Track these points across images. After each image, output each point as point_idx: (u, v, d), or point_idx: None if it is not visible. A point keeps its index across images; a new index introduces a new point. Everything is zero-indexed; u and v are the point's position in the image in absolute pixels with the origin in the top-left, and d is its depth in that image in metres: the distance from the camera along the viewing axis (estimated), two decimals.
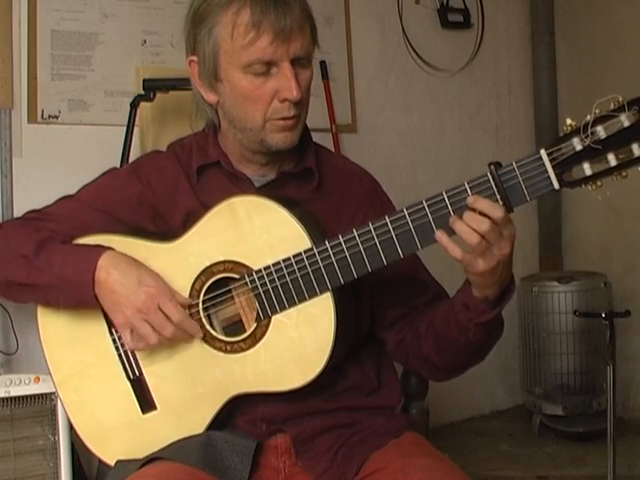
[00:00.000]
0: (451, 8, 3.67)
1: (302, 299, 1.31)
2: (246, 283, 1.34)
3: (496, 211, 1.19)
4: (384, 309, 1.47)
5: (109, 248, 1.38)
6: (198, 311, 1.37)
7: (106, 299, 1.35)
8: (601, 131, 1.15)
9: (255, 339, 1.34)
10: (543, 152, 1.18)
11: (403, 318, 1.47)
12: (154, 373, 1.40)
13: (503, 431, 3.59)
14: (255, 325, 1.34)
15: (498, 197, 1.20)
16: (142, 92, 2.54)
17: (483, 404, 3.83)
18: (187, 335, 1.36)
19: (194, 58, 1.39)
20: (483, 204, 1.20)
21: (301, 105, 1.37)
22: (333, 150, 2.85)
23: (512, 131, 3.91)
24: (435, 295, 1.48)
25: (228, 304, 1.38)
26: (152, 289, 1.33)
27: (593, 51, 3.76)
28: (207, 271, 1.36)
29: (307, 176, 1.46)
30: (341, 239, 1.28)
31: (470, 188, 1.22)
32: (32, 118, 2.62)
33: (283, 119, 1.36)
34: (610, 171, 1.16)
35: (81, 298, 1.37)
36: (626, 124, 1.14)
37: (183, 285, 1.37)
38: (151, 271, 1.36)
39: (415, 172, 3.56)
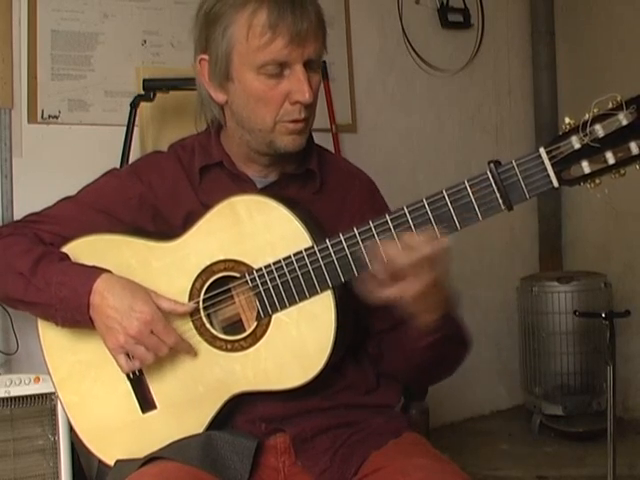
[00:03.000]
0: (451, 8, 3.67)
1: (303, 297, 1.31)
2: (246, 282, 1.34)
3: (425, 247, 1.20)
4: (371, 318, 1.46)
5: (105, 270, 1.37)
6: (198, 310, 1.37)
7: (100, 323, 1.35)
8: (599, 130, 1.16)
9: (256, 338, 1.35)
10: (542, 150, 1.19)
11: (386, 332, 1.45)
12: (154, 373, 1.40)
13: (503, 431, 3.59)
14: (256, 324, 1.35)
15: (498, 195, 1.21)
16: (142, 92, 2.54)
17: (483, 404, 3.83)
18: (186, 348, 1.36)
19: (205, 57, 1.39)
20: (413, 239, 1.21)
21: (311, 108, 1.39)
22: (333, 150, 2.85)
23: (512, 131, 3.92)
24: None
25: (228, 303, 1.38)
26: (145, 315, 1.32)
27: (593, 51, 3.76)
28: (208, 270, 1.36)
29: (309, 178, 1.46)
30: (342, 237, 1.28)
31: (470, 186, 1.22)
32: (32, 118, 2.62)
33: (293, 122, 1.37)
34: (609, 169, 1.17)
35: (77, 319, 1.36)
36: (624, 123, 1.15)
37: (184, 284, 1.37)
38: (145, 294, 1.35)
39: (415, 172, 3.56)
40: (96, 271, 1.37)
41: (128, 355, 1.35)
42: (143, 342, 1.32)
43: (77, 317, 1.36)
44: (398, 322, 1.44)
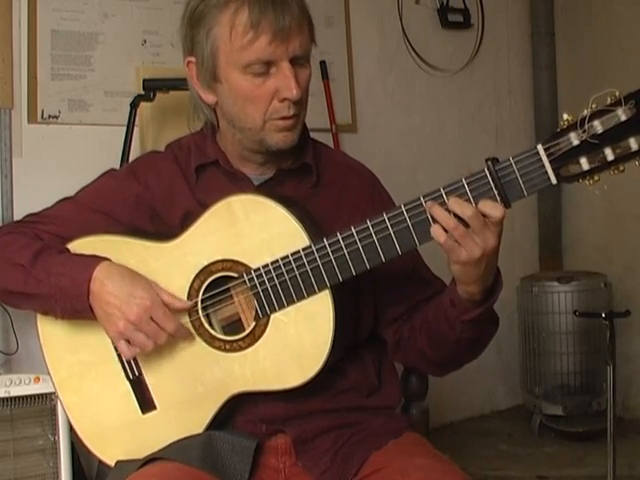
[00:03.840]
0: (451, 8, 3.67)
1: (301, 297, 1.31)
2: (244, 282, 1.34)
3: (494, 209, 1.20)
4: (385, 306, 1.47)
5: (105, 259, 1.38)
6: (197, 310, 1.37)
7: (100, 310, 1.35)
8: (598, 126, 1.15)
9: (254, 338, 1.34)
10: (540, 147, 1.18)
11: (403, 316, 1.47)
12: (153, 373, 1.40)
13: (503, 431, 3.59)
14: (254, 324, 1.35)
15: (495, 192, 1.20)
16: (142, 92, 2.54)
17: (483, 404, 3.83)
18: (181, 344, 1.36)
19: (192, 59, 1.39)
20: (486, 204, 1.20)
21: (300, 104, 1.37)
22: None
23: (512, 131, 3.92)
24: (436, 292, 1.47)
25: (227, 303, 1.38)
26: (144, 301, 1.32)
27: (593, 51, 3.76)
28: (206, 270, 1.36)
29: (305, 172, 1.46)
30: (339, 237, 1.28)
31: (468, 184, 1.22)
32: (32, 118, 2.62)
33: (283, 119, 1.36)
34: (607, 165, 1.16)
35: (77, 308, 1.37)
36: (623, 118, 1.14)
37: (182, 284, 1.37)
38: (145, 282, 1.35)
39: (415, 172, 3.56)
40: (95, 259, 1.37)
41: (129, 342, 1.35)
42: (142, 328, 1.32)
43: (77, 306, 1.36)
44: (414, 304, 1.45)
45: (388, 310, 1.47)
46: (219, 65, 1.35)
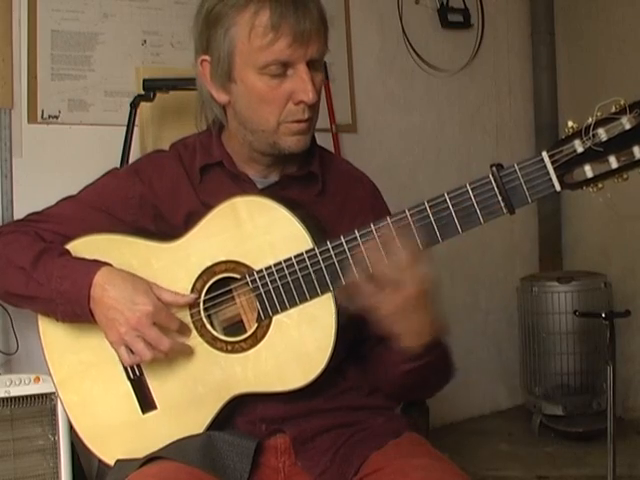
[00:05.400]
0: (451, 8, 3.67)
1: (303, 299, 1.31)
2: (247, 283, 1.34)
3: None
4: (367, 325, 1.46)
5: (106, 264, 1.38)
6: (199, 311, 1.37)
7: (101, 316, 1.35)
8: (602, 133, 1.16)
9: (256, 339, 1.35)
10: (545, 154, 1.19)
11: (372, 342, 1.45)
12: (154, 373, 1.40)
13: (503, 431, 3.59)
14: (256, 325, 1.35)
15: (500, 198, 1.21)
16: (142, 92, 2.54)
17: (483, 404, 3.83)
18: (183, 346, 1.36)
19: (206, 58, 1.39)
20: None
21: (314, 108, 1.38)
22: (333, 150, 2.85)
23: (512, 131, 3.91)
24: None
25: (229, 304, 1.38)
26: (146, 307, 1.32)
27: (593, 51, 3.76)
28: (208, 271, 1.36)
29: (310, 180, 1.46)
30: (342, 239, 1.28)
31: (472, 189, 1.22)
32: (32, 118, 2.62)
33: (297, 122, 1.36)
34: (611, 173, 1.17)
35: (77, 312, 1.37)
36: (627, 127, 1.15)
37: (184, 285, 1.37)
38: (146, 286, 1.35)
39: (415, 172, 3.56)
40: (96, 264, 1.37)
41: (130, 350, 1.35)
42: (144, 334, 1.32)
43: (77, 310, 1.36)
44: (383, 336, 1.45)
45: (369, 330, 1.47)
46: (235, 65, 1.35)
